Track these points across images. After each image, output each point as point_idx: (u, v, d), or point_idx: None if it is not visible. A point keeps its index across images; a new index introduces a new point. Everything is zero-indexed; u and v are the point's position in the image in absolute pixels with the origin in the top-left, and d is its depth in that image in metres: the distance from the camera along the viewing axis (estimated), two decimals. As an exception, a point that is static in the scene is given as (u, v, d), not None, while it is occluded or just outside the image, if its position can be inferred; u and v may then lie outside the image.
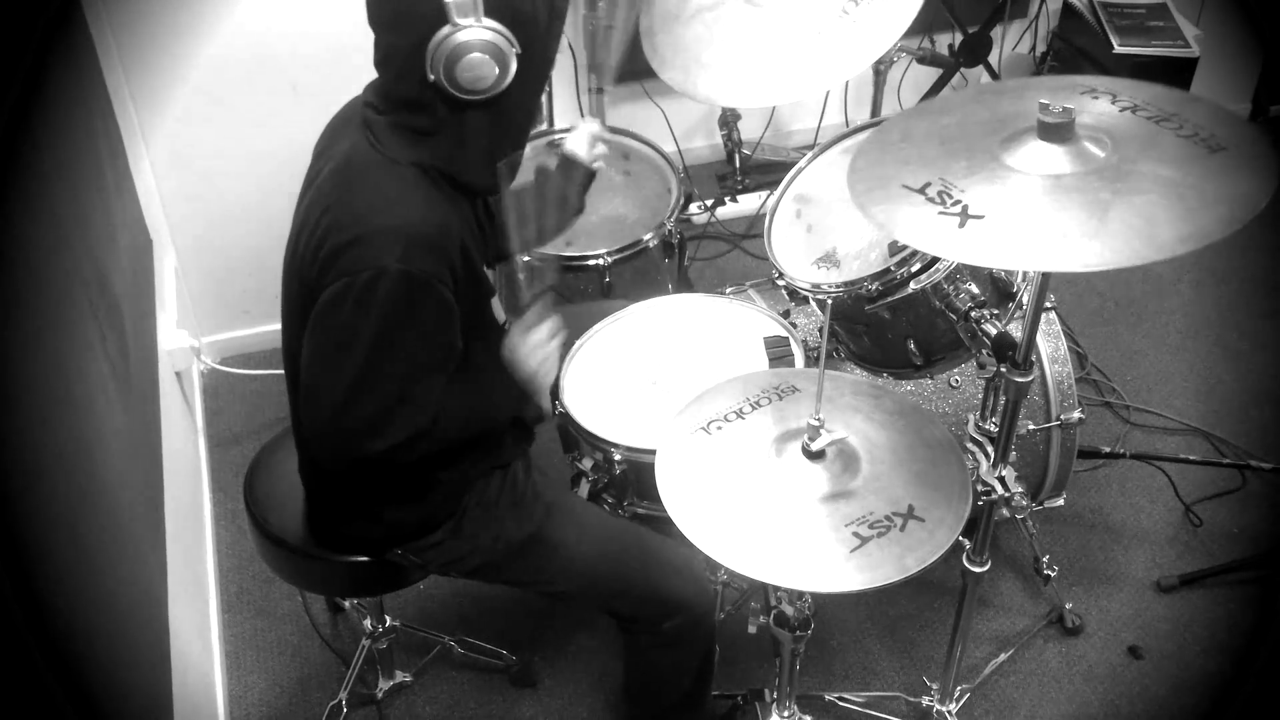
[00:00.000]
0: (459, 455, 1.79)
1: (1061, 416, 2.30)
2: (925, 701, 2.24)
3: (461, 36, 1.49)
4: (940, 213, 1.42)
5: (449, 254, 1.58)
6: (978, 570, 1.94)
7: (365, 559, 1.90)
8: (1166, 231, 1.32)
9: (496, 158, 1.64)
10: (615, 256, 2.47)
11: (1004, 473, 1.82)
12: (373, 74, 1.64)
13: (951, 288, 1.92)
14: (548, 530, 1.90)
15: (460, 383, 1.70)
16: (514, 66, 1.54)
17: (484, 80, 1.52)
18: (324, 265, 1.57)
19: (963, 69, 3.55)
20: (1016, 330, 1.76)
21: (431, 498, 1.83)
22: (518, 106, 1.61)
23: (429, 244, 1.55)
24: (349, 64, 1.75)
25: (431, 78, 1.52)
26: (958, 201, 1.43)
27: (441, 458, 1.75)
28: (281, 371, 1.85)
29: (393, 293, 1.52)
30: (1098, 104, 1.55)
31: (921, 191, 1.46)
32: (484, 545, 1.88)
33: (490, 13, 1.50)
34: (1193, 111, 1.50)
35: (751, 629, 1.93)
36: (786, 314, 2.36)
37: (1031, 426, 2.29)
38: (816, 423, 1.57)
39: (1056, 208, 1.40)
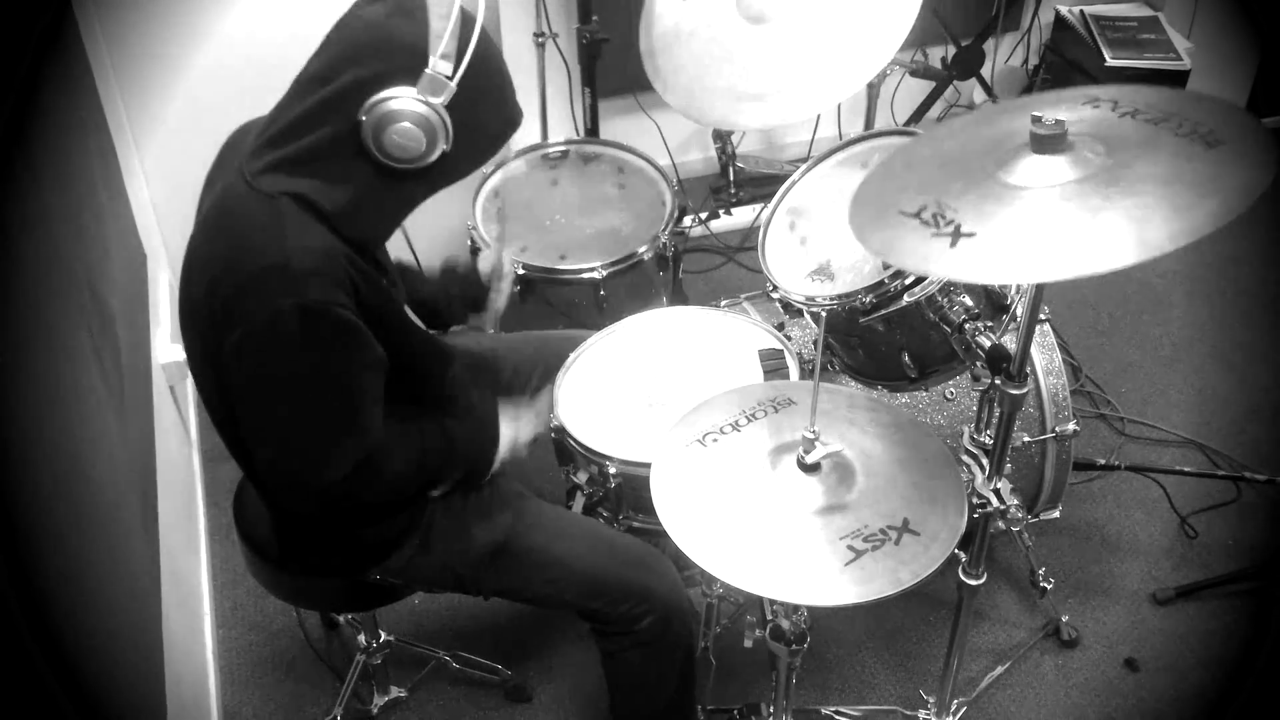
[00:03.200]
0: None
1: (1056, 429, 2.30)
2: (922, 715, 2.23)
3: (410, 106, 1.48)
4: (933, 234, 1.42)
5: (338, 275, 1.52)
6: (973, 583, 1.93)
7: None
8: (1157, 230, 1.30)
9: (377, 220, 1.61)
10: (609, 269, 2.47)
11: (999, 485, 1.82)
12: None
13: (945, 300, 1.93)
14: (517, 536, 1.90)
15: (416, 423, 1.72)
16: (437, 154, 1.52)
17: (406, 151, 1.50)
18: (219, 317, 1.52)
19: (955, 82, 3.57)
20: (1011, 342, 1.76)
21: (395, 515, 1.82)
22: (416, 186, 1.58)
23: (314, 271, 1.49)
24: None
25: (362, 118, 1.48)
26: (951, 222, 1.42)
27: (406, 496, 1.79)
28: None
29: (294, 329, 1.48)
30: (1098, 113, 1.53)
31: (916, 215, 1.46)
32: (455, 558, 1.88)
33: (454, 104, 1.49)
34: (1193, 109, 1.47)
35: (747, 643, 1.93)
36: (781, 327, 2.35)
37: (1027, 439, 2.29)
38: (811, 435, 1.57)
39: (1049, 219, 1.39)
